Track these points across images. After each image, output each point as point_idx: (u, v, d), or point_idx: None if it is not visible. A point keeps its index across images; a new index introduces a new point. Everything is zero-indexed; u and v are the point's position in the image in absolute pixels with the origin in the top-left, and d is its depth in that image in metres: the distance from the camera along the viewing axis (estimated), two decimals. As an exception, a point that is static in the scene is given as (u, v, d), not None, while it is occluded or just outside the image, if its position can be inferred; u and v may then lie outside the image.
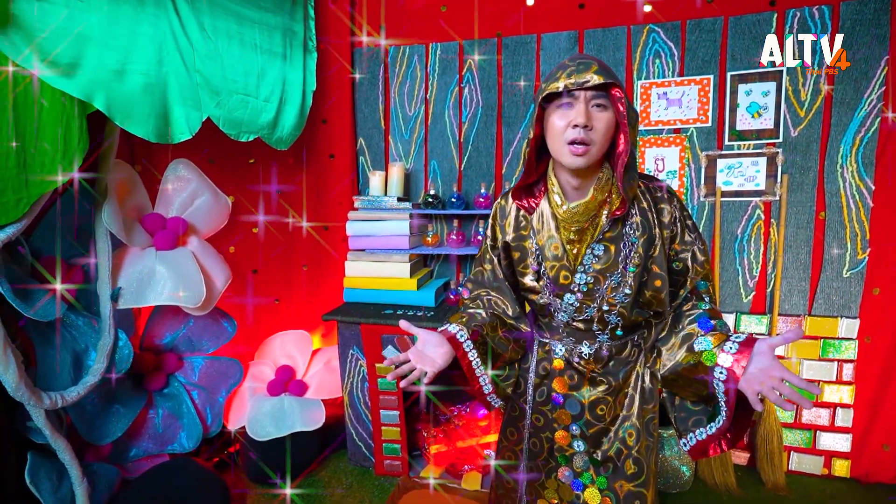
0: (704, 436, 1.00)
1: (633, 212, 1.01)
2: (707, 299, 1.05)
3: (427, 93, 2.36)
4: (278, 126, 2.05)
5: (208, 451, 2.22)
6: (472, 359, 1.06)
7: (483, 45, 2.27)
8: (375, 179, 2.28)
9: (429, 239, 2.30)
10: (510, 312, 1.15)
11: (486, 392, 1.12)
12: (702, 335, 0.97)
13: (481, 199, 2.22)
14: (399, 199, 2.23)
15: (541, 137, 1.01)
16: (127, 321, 1.94)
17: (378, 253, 2.24)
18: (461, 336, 1.05)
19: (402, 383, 0.98)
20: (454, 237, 2.28)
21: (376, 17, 2.36)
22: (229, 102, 1.79)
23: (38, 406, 1.41)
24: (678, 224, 1.02)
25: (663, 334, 1.07)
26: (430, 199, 2.27)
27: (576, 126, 0.91)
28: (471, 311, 1.14)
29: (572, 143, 0.92)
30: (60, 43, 1.26)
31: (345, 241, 2.35)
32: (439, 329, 1.06)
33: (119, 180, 1.80)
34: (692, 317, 1.02)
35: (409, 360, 0.98)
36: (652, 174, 2.11)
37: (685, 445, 1.05)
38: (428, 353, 1.00)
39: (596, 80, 0.89)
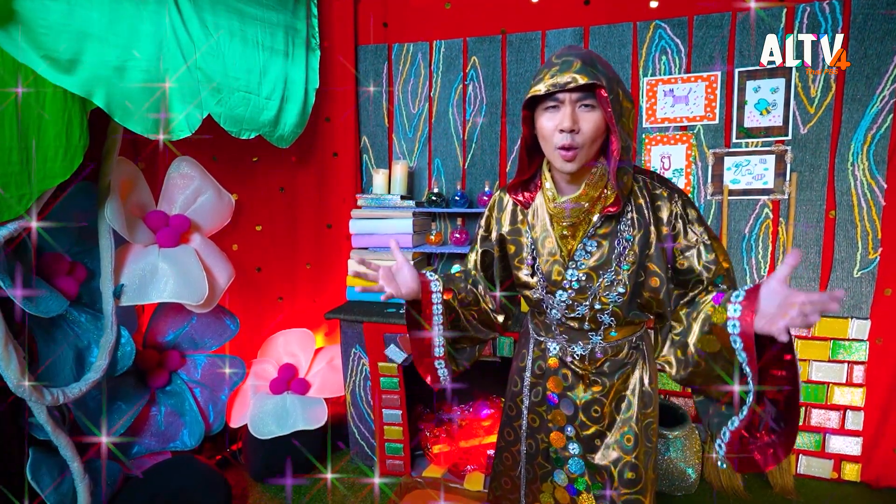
0: (738, 422, 0.89)
1: (629, 209, 0.98)
2: (724, 284, 0.97)
3: (431, 90, 2.35)
4: (280, 124, 2.04)
5: (210, 449, 2.23)
6: (435, 312, 1.08)
7: (487, 42, 2.25)
8: (379, 177, 2.27)
9: (432, 237, 2.29)
10: (488, 301, 1.18)
11: (437, 355, 1.13)
12: (716, 306, 0.90)
13: (485, 198, 2.20)
14: (402, 198, 2.22)
15: (531, 137, 0.99)
16: (130, 318, 1.95)
17: (381, 251, 2.23)
18: (434, 286, 1.09)
19: (358, 287, 1.03)
20: (458, 235, 2.27)
21: (380, 15, 2.35)
22: (230, 100, 1.79)
23: (40, 402, 1.41)
24: (679, 220, 0.97)
25: (682, 328, 0.97)
26: (433, 198, 2.25)
27: (562, 130, 0.89)
28: (452, 276, 1.17)
29: (561, 147, 0.90)
30: (61, 39, 1.26)
31: (348, 240, 2.35)
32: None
33: (122, 177, 1.81)
34: (707, 300, 0.94)
35: (377, 273, 1.02)
36: (657, 171, 2.10)
37: (720, 448, 0.94)
38: (398, 278, 1.05)
39: (578, 80, 0.84)
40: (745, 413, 0.87)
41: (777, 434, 0.87)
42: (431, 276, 1.10)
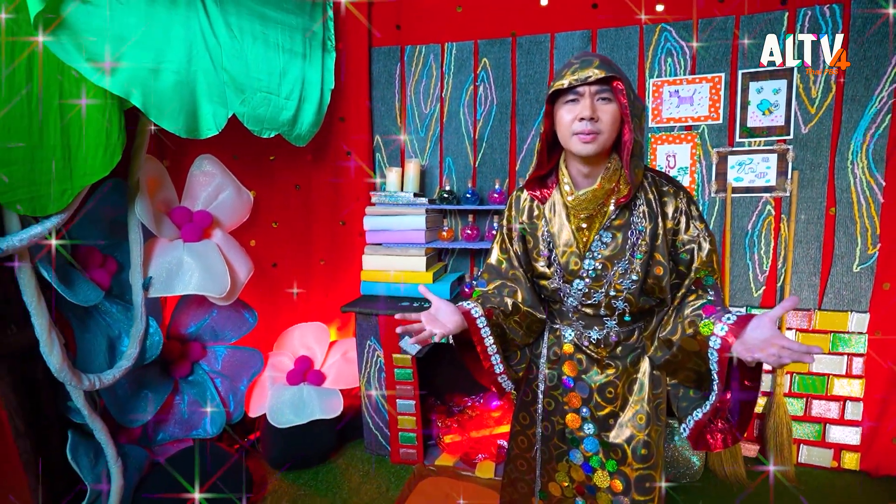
0: (701, 415, 1.04)
1: (640, 202, 1.07)
2: (712, 293, 1.06)
3: (443, 91, 2.42)
4: (297, 123, 2.11)
5: (230, 438, 2.30)
6: (484, 335, 1.12)
7: (498, 45, 2.32)
8: (392, 176, 2.34)
9: (444, 233, 2.36)
10: (529, 300, 1.18)
11: (498, 373, 1.18)
12: (705, 318, 1.00)
13: (495, 195, 2.27)
14: (415, 195, 2.28)
15: (551, 132, 1.07)
16: (155, 310, 2.02)
17: (394, 247, 2.30)
18: (475, 312, 1.12)
19: (411, 340, 1.02)
20: (469, 232, 2.34)
21: (393, 18, 2.42)
22: (253, 100, 1.86)
23: (78, 387, 1.49)
24: (683, 216, 1.07)
25: (669, 327, 1.09)
26: (445, 195, 2.32)
27: (582, 119, 0.97)
28: (486, 294, 1.19)
29: (581, 133, 0.98)
30: (102, 43, 1.34)
31: (362, 236, 2.42)
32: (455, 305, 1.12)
33: (149, 175, 1.88)
34: (696, 306, 1.04)
35: (420, 322, 1.03)
36: (663, 171, 2.17)
37: (684, 430, 1.09)
38: (440, 317, 1.07)
39: (597, 73, 0.95)
40: (707, 408, 1.03)
41: (731, 425, 1.04)
42: (469, 304, 1.13)
